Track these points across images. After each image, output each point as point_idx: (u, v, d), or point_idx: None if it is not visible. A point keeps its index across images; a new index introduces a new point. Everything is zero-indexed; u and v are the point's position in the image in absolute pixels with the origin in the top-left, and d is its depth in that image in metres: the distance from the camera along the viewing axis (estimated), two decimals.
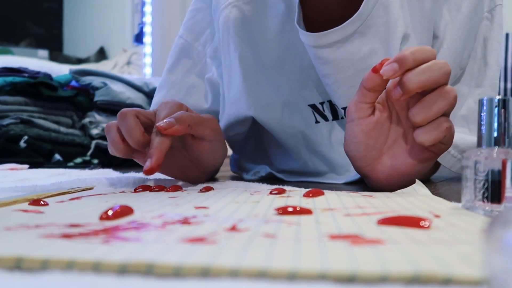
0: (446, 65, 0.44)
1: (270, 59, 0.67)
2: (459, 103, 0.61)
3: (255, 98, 0.67)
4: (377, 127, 0.49)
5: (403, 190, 0.47)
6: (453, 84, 0.65)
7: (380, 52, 0.61)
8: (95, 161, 1.16)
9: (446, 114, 0.45)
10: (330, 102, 0.67)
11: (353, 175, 0.64)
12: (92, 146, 1.19)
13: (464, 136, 0.62)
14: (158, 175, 0.65)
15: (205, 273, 0.19)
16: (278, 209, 0.32)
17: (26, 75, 1.20)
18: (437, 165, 0.70)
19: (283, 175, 0.71)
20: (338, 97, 0.63)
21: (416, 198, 0.41)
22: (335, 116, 0.67)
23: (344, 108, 0.65)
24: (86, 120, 1.23)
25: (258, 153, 0.78)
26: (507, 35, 2.19)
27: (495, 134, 0.34)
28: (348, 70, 0.62)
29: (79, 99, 1.23)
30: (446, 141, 0.46)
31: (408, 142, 0.49)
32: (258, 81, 0.67)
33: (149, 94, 1.34)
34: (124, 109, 0.52)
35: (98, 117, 1.23)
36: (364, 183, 0.59)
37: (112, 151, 0.53)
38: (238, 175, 0.79)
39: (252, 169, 0.76)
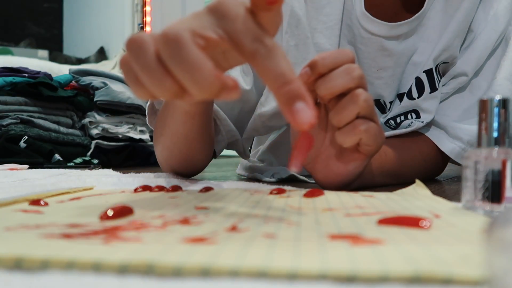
0: (357, 69, 0.44)
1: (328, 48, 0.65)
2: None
3: None
4: (314, 127, 0.49)
5: (403, 190, 0.47)
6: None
7: (427, 51, 0.65)
8: (95, 161, 1.16)
9: (363, 116, 0.45)
10: None
11: None
12: (92, 146, 1.19)
13: (467, 127, 0.64)
14: (157, 176, 0.65)
15: (205, 273, 0.19)
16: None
17: (26, 75, 1.20)
18: (444, 163, 0.70)
19: (306, 178, 0.66)
20: (390, 91, 0.66)
21: (416, 198, 0.41)
22: (383, 111, 0.69)
23: (391, 102, 0.68)
24: (86, 120, 1.23)
25: (272, 153, 0.77)
26: None
27: (495, 134, 0.34)
28: (404, 65, 0.66)
29: (79, 99, 1.22)
30: (368, 142, 0.46)
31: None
32: None
33: None
34: (170, 29, 0.29)
35: (98, 117, 1.23)
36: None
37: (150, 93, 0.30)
38: (246, 178, 0.75)
39: (266, 170, 0.72)
